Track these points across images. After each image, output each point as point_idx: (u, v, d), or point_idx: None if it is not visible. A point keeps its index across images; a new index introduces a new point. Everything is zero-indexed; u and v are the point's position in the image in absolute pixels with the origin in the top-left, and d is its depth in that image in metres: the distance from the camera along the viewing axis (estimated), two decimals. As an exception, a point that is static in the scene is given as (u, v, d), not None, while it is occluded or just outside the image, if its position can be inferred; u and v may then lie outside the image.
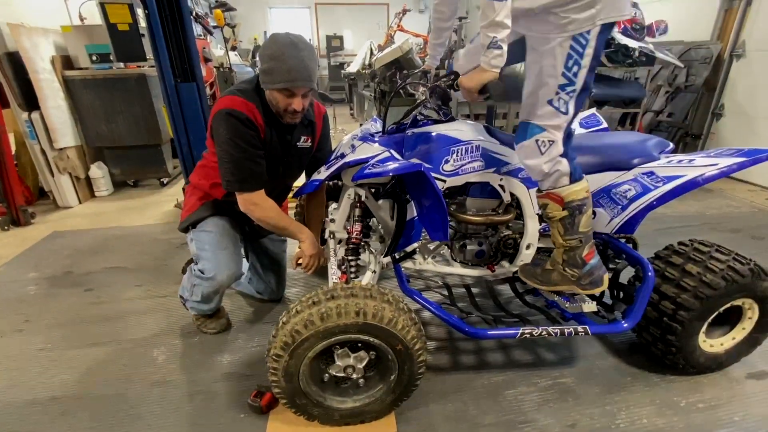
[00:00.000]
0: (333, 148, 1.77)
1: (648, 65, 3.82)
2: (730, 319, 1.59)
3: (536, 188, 1.52)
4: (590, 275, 1.44)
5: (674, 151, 1.71)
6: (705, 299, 1.41)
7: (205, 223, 1.74)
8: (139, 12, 3.48)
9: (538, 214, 1.59)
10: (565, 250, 1.45)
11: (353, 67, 6.46)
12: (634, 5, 4.01)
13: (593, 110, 2.11)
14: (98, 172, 3.87)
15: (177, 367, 1.72)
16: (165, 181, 4.22)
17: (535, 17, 1.22)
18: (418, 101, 1.59)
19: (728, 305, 1.47)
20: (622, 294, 1.68)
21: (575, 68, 1.20)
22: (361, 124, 2.11)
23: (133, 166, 4.04)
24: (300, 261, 1.71)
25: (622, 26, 3.94)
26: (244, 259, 2.12)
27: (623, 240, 1.65)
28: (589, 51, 1.19)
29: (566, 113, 1.27)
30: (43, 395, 1.59)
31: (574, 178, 1.36)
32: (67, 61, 3.66)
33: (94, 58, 3.64)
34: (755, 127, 3.94)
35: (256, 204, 1.59)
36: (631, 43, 3.56)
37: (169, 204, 3.61)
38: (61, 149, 3.52)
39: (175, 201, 3.57)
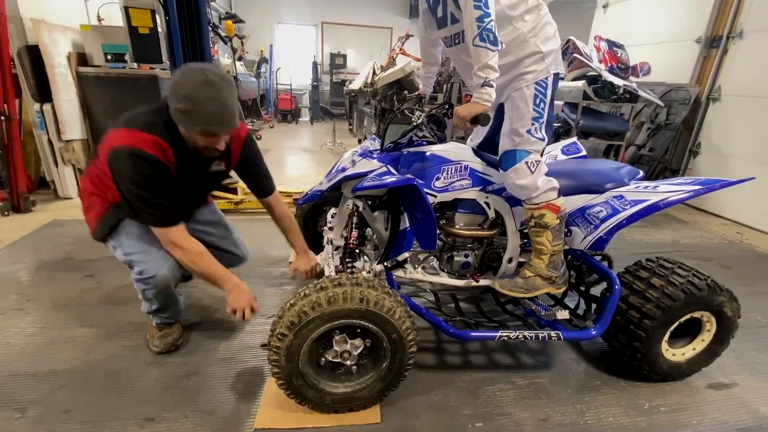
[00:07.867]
0: (335, 163, 1.88)
1: (632, 102, 4.12)
2: (692, 331, 1.74)
3: (519, 205, 1.71)
4: (563, 275, 1.71)
5: (644, 179, 1.90)
6: (666, 309, 1.56)
7: (122, 225, 1.66)
8: (159, 17, 3.65)
9: (519, 230, 1.76)
10: (551, 255, 1.66)
11: (355, 85, 6.71)
12: (620, 47, 4.32)
13: (574, 139, 2.31)
14: (101, 166, 3.95)
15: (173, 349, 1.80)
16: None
17: (510, 78, 1.59)
18: (414, 124, 1.73)
19: (688, 317, 1.63)
20: (594, 305, 1.83)
21: (542, 105, 1.55)
22: (360, 140, 2.25)
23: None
24: (235, 311, 1.55)
25: (609, 64, 4.25)
26: None
27: (598, 257, 1.81)
28: (548, 92, 1.58)
29: (543, 139, 1.58)
30: (43, 368, 1.66)
31: (559, 193, 1.61)
32: (82, 58, 3.79)
33: (108, 57, 3.77)
34: (728, 165, 4.22)
35: (176, 245, 1.51)
36: (617, 81, 3.84)
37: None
38: (67, 141, 3.61)
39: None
